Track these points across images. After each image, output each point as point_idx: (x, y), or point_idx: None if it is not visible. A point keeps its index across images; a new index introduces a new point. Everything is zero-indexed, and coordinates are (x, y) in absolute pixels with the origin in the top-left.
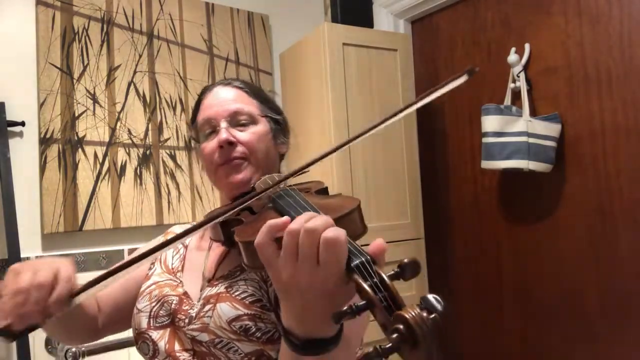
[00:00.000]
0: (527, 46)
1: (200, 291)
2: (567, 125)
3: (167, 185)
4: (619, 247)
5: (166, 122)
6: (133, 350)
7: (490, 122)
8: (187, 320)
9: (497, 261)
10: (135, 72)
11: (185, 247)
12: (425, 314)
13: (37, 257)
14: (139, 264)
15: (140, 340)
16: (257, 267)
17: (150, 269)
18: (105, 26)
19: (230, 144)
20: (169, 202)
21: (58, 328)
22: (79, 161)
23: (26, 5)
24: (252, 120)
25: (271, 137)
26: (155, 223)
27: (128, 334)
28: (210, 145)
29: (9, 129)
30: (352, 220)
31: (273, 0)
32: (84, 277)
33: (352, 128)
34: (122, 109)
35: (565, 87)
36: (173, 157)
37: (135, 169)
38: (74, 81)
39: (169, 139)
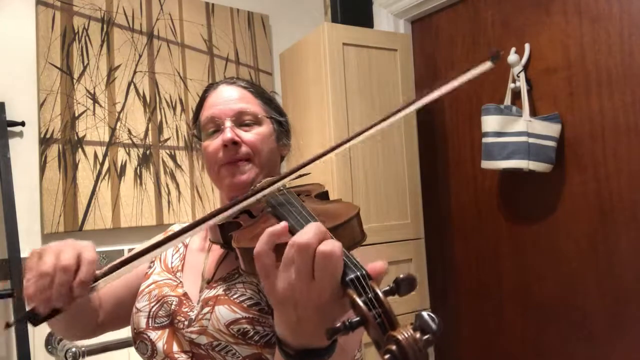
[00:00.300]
0: (527, 46)
1: (200, 292)
2: (567, 125)
3: (167, 185)
4: (619, 247)
5: (166, 122)
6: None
7: (490, 122)
8: (186, 323)
9: (497, 261)
10: (135, 72)
11: (186, 246)
12: (418, 335)
13: None
14: (160, 251)
15: (138, 340)
16: (254, 273)
17: (149, 267)
18: (105, 26)
19: (235, 144)
20: (169, 202)
21: (57, 324)
22: (79, 161)
23: (26, 5)
24: (257, 121)
25: (274, 139)
26: (155, 223)
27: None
28: (214, 144)
29: (9, 129)
30: (351, 228)
31: (273, 0)
32: None
33: (352, 128)
34: (122, 109)
35: (565, 87)
36: (173, 157)
37: (135, 169)
38: (74, 81)
39: (169, 139)
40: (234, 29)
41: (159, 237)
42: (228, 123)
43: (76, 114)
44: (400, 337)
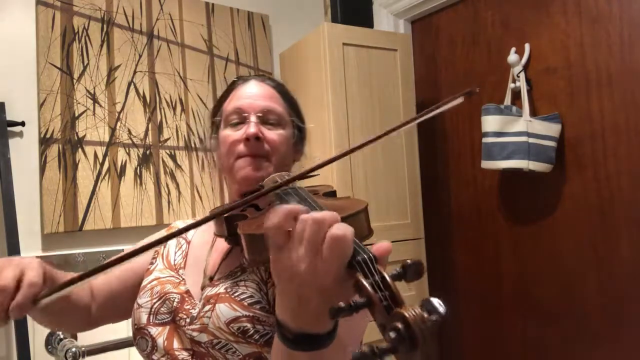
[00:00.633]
0: (527, 46)
1: (202, 290)
2: (567, 125)
3: (167, 185)
4: (619, 247)
5: (166, 122)
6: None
7: (490, 122)
8: (188, 320)
9: (497, 261)
10: (135, 72)
11: (188, 243)
12: (426, 315)
13: (37, 257)
14: (135, 258)
15: (138, 336)
16: (257, 261)
17: (152, 264)
18: (105, 26)
19: (257, 139)
20: (169, 202)
21: (45, 318)
22: (79, 161)
23: (26, 5)
24: (280, 123)
25: (292, 143)
26: (155, 223)
27: (128, 333)
28: (235, 134)
29: (9, 129)
30: (358, 221)
31: (273, 0)
32: None
33: (351, 128)
34: (122, 109)
35: (565, 87)
36: (173, 157)
37: (135, 169)
38: (74, 81)
39: (169, 139)
40: (234, 29)
41: (162, 232)
42: (253, 118)
43: (76, 114)
44: (407, 314)
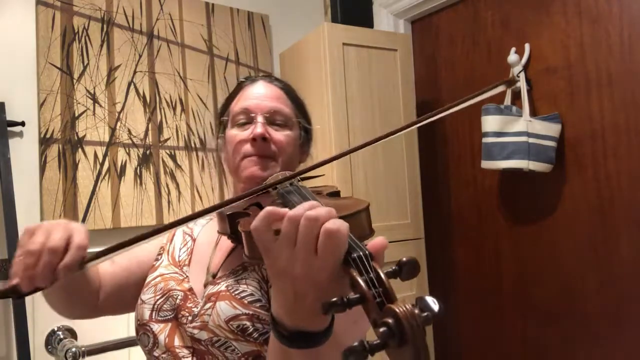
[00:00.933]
0: (527, 46)
1: (204, 288)
2: (567, 125)
3: (167, 185)
4: (619, 247)
5: (166, 122)
6: (133, 350)
7: (490, 122)
8: (190, 318)
9: (497, 261)
10: (135, 72)
11: (194, 240)
12: (417, 311)
13: None
14: (153, 238)
15: (141, 332)
16: (257, 258)
17: (157, 260)
18: (105, 26)
19: (264, 140)
20: (169, 202)
21: (60, 295)
22: (79, 161)
23: (26, 5)
24: (287, 124)
25: (299, 144)
26: (155, 223)
27: (127, 333)
28: (242, 134)
29: (9, 129)
30: (358, 220)
31: (273, 0)
32: None
33: (351, 128)
34: (122, 109)
35: (565, 87)
36: (173, 157)
37: (135, 169)
38: (74, 81)
39: (169, 139)
40: (234, 29)
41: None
42: (261, 118)
43: (76, 114)
44: (397, 309)
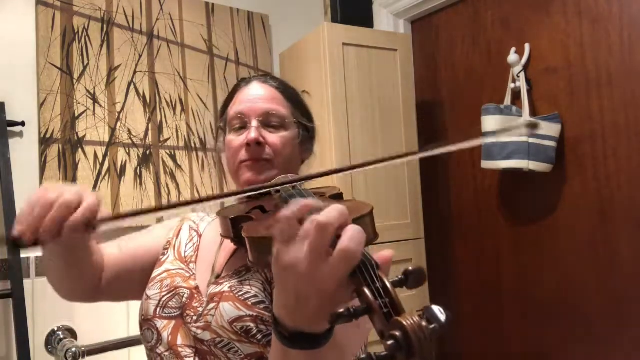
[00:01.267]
0: (527, 46)
1: (208, 287)
2: (567, 125)
3: (167, 185)
4: (619, 247)
5: (166, 122)
6: (133, 350)
7: (490, 122)
8: (194, 318)
9: (497, 261)
10: (135, 72)
11: (200, 236)
12: (424, 323)
13: (36, 257)
14: (164, 213)
15: (145, 327)
16: (261, 264)
17: (163, 254)
18: (105, 26)
19: (258, 144)
20: (169, 202)
21: (60, 266)
22: (79, 161)
23: (26, 5)
24: (283, 125)
25: (298, 143)
26: (155, 223)
27: (127, 333)
28: (238, 140)
29: (9, 129)
30: (363, 224)
31: (273, 0)
32: None
33: (351, 128)
34: (122, 109)
35: (565, 87)
36: (173, 157)
37: (135, 169)
38: (74, 81)
39: (169, 139)
40: (234, 29)
41: (174, 223)
42: (254, 123)
43: (76, 114)
44: (405, 322)
